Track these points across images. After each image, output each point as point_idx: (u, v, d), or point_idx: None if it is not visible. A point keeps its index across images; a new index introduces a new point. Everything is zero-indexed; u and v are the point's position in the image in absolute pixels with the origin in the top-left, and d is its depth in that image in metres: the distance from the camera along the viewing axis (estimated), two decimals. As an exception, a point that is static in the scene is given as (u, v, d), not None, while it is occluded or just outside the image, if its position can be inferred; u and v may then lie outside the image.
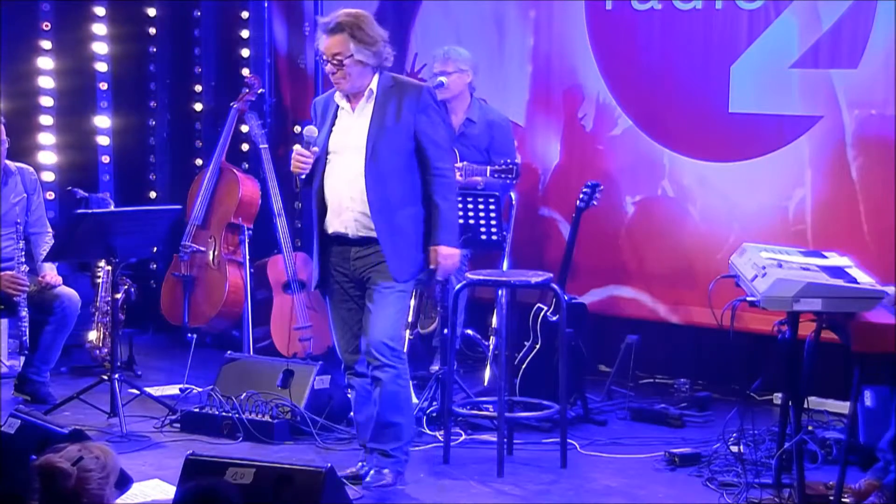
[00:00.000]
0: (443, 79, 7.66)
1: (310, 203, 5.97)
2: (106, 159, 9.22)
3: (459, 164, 7.45)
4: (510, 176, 6.99)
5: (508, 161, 7.08)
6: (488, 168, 7.16)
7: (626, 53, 8.04)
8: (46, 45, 8.91)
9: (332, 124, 5.80)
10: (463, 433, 6.82)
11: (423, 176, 5.81)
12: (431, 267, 5.82)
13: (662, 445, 6.64)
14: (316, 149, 5.76)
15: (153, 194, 9.50)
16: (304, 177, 5.79)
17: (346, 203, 5.75)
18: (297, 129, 6.00)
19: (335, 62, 5.68)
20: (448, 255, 5.82)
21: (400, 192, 5.75)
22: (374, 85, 5.76)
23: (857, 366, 5.32)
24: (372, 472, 5.83)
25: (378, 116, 5.74)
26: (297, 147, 5.84)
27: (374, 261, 5.78)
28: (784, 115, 7.49)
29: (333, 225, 5.81)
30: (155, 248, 7.89)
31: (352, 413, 6.18)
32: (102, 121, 9.22)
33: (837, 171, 7.35)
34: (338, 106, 5.81)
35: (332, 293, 5.91)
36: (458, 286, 6.62)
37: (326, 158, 5.78)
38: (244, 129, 8.83)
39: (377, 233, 5.73)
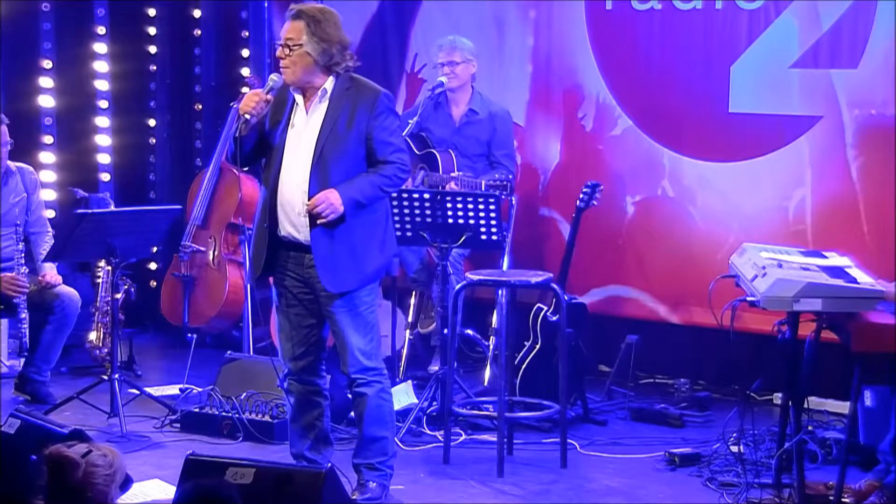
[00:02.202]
0: (443, 79, 7.74)
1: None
2: (106, 159, 9.22)
3: (455, 174, 7.48)
4: (504, 192, 7.02)
5: (503, 177, 7.12)
6: (483, 181, 7.20)
7: (626, 53, 8.04)
8: (47, 45, 8.91)
9: (288, 120, 5.64)
10: (463, 433, 6.82)
11: (370, 168, 5.61)
12: (309, 203, 5.50)
13: (662, 445, 6.65)
14: (270, 97, 5.55)
15: (153, 194, 9.50)
16: (248, 117, 5.51)
17: (298, 208, 5.57)
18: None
19: (286, 46, 5.52)
20: (333, 198, 5.48)
21: None
22: (328, 85, 5.58)
23: (857, 366, 5.33)
24: (357, 486, 5.79)
25: (329, 120, 5.56)
26: (254, 89, 5.62)
27: None
28: (784, 115, 7.49)
29: (286, 228, 5.63)
30: (155, 248, 7.89)
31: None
32: (102, 121, 9.22)
33: (837, 171, 7.35)
34: (294, 100, 5.65)
35: (282, 296, 5.74)
36: (458, 286, 6.62)
37: (282, 158, 5.61)
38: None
39: (311, 237, 5.55)
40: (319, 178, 5.55)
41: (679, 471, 6.32)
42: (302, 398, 5.84)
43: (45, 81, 8.95)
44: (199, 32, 9.37)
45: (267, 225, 5.64)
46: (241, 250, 8.45)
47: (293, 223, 5.62)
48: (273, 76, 5.66)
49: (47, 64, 8.93)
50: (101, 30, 9.16)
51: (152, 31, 9.44)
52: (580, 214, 7.35)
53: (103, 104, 9.19)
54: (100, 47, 9.17)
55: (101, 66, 9.16)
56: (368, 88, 5.65)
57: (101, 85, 9.16)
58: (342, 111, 5.58)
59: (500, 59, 8.46)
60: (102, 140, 9.23)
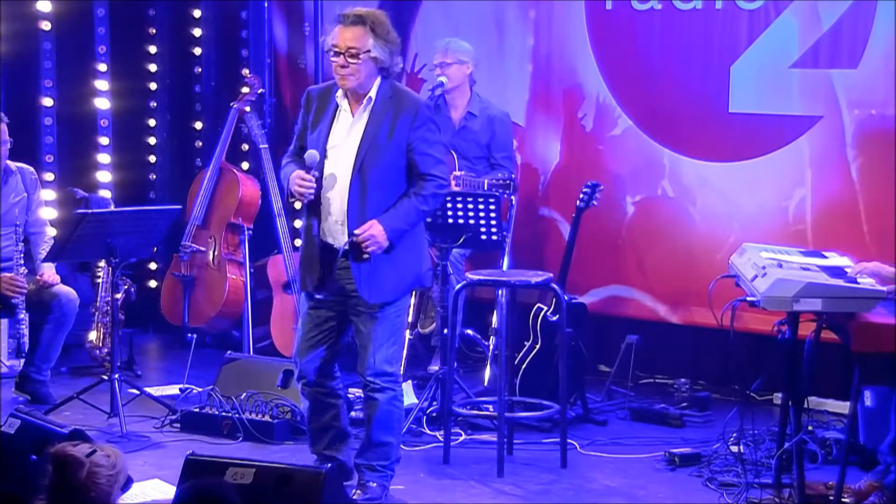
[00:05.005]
0: (443, 79, 7.73)
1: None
2: (106, 159, 9.22)
3: (458, 173, 7.49)
4: (507, 191, 7.01)
5: (506, 176, 7.12)
6: (486, 181, 7.19)
7: (626, 53, 8.04)
8: (47, 45, 8.90)
9: (330, 125, 5.64)
10: (463, 433, 6.82)
11: (410, 181, 5.62)
12: (356, 232, 5.53)
13: (662, 445, 6.65)
14: (317, 174, 5.56)
15: (153, 194, 9.50)
16: (305, 201, 5.58)
17: (335, 216, 5.60)
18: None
19: (350, 55, 5.49)
20: (377, 232, 5.52)
21: (384, 210, 5.57)
22: (373, 92, 5.58)
23: (857, 366, 5.32)
24: (357, 486, 5.79)
25: (372, 129, 5.56)
26: (298, 172, 5.58)
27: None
28: (784, 115, 7.49)
29: (322, 233, 5.66)
30: (155, 248, 7.89)
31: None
32: (102, 121, 9.22)
33: (837, 171, 7.35)
34: (337, 105, 5.66)
35: (310, 297, 5.75)
36: (458, 286, 6.62)
37: (324, 163, 5.61)
38: (244, 129, 8.83)
39: (351, 249, 5.57)
40: (359, 188, 5.56)
41: (679, 471, 6.32)
42: (316, 401, 5.85)
43: (45, 81, 8.94)
44: (199, 32, 9.38)
45: (315, 232, 5.64)
46: (241, 250, 8.46)
47: (330, 230, 5.64)
48: (311, 153, 5.57)
49: (47, 64, 8.92)
50: (101, 30, 9.15)
51: (152, 31, 9.44)
52: (580, 214, 7.35)
53: (103, 104, 9.18)
54: (100, 48, 9.16)
55: (101, 66, 9.15)
56: (410, 99, 5.67)
57: (101, 85, 9.15)
58: (384, 120, 5.57)
59: (500, 59, 8.46)
60: (102, 140, 9.23)
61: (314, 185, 5.56)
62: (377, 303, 5.62)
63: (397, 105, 5.60)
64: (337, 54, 5.53)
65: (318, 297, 5.73)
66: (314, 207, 5.65)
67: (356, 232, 5.53)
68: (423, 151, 5.61)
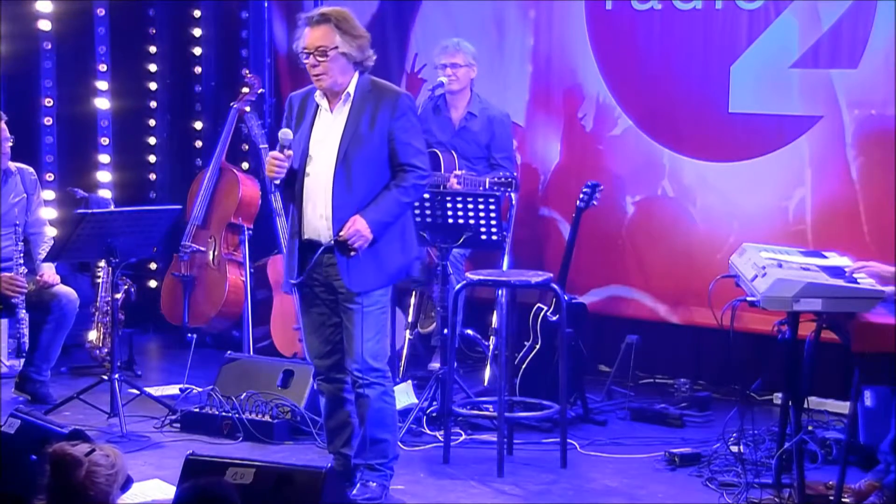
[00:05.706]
0: (443, 79, 7.73)
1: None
2: (106, 159, 9.22)
3: (459, 173, 7.49)
4: (509, 189, 7.02)
5: (507, 175, 7.13)
6: (487, 179, 7.19)
7: (626, 53, 8.04)
8: (47, 45, 8.90)
9: (312, 124, 5.67)
10: (463, 433, 6.82)
11: (392, 171, 5.65)
12: (341, 233, 5.55)
13: (662, 445, 6.65)
14: (290, 152, 5.58)
15: (153, 194, 9.50)
16: (277, 182, 5.62)
17: (320, 210, 5.61)
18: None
19: (318, 54, 5.53)
20: (361, 227, 5.53)
21: (368, 201, 5.60)
22: (351, 87, 5.61)
23: (857, 366, 5.32)
24: (358, 485, 5.79)
25: (353, 122, 5.59)
26: (272, 152, 5.64)
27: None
28: (784, 115, 7.50)
29: (307, 230, 5.66)
30: (155, 248, 7.88)
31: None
32: (102, 120, 9.22)
33: (837, 171, 7.36)
34: (318, 105, 5.68)
35: (304, 297, 5.78)
36: (458, 286, 6.63)
37: (307, 161, 5.64)
38: (244, 129, 8.83)
39: (336, 246, 5.59)
40: (343, 180, 5.58)
41: (679, 471, 6.33)
42: (332, 397, 5.87)
43: (45, 81, 8.94)
44: (199, 32, 9.38)
45: (296, 230, 5.67)
46: (242, 250, 8.46)
47: (315, 226, 5.64)
48: (284, 131, 5.63)
49: (47, 63, 8.92)
50: (101, 30, 9.15)
51: (152, 31, 9.43)
52: (580, 214, 7.35)
53: (103, 104, 9.18)
54: (100, 47, 9.15)
55: (101, 66, 9.15)
56: (390, 90, 5.71)
57: (101, 85, 9.16)
58: (364, 113, 5.60)
59: (500, 59, 8.46)
60: (102, 140, 9.22)
61: (286, 164, 5.58)
62: (358, 291, 5.62)
63: (377, 97, 5.63)
64: (307, 55, 5.58)
65: (304, 291, 5.72)
66: (297, 201, 5.66)
67: (341, 234, 5.55)
68: (404, 141, 5.64)
